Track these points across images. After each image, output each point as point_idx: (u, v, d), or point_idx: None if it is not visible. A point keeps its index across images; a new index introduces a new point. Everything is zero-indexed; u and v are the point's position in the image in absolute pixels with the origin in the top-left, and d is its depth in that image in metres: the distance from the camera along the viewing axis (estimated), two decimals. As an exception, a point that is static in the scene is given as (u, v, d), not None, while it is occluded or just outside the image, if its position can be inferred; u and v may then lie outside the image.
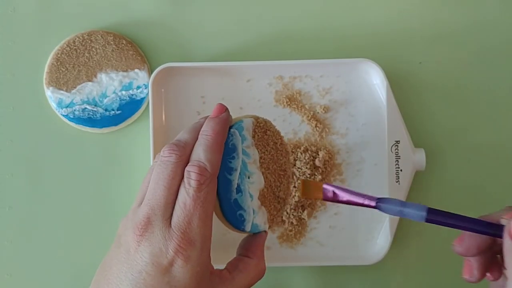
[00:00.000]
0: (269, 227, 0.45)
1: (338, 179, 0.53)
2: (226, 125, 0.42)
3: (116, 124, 0.53)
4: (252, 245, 0.44)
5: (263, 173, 0.44)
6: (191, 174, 0.39)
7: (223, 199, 0.42)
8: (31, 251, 0.53)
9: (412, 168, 0.51)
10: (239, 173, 0.43)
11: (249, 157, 0.43)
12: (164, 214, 0.39)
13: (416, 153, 0.51)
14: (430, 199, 0.53)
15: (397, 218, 0.51)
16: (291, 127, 0.53)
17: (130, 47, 0.53)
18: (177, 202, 0.39)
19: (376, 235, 0.53)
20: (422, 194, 0.54)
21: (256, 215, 0.43)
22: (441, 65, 0.54)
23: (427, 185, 0.54)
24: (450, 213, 0.39)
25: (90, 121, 0.53)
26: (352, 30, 0.54)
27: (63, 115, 0.53)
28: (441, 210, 0.39)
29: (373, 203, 0.41)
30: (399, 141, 0.51)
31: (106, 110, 0.53)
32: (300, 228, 0.53)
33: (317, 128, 0.53)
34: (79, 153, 0.54)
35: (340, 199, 0.42)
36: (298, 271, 0.54)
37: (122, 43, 0.53)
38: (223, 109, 0.43)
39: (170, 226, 0.38)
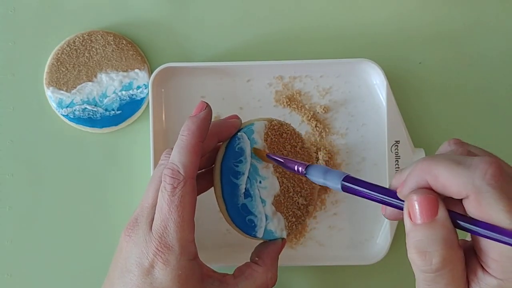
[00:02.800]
0: (288, 234, 0.44)
1: (338, 179, 0.53)
2: (204, 124, 0.41)
3: (116, 124, 0.53)
4: (264, 252, 0.44)
5: (278, 178, 0.43)
6: (166, 178, 0.39)
7: (229, 203, 0.42)
8: (31, 251, 0.53)
9: (412, 168, 0.51)
10: (248, 178, 0.42)
11: (260, 161, 0.43)
12: (149, 216, 0.40)
13: (416, 153, 0.51)
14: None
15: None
16: (291, 127, 0.53)
17: (130, 47, 0.53)
18: (157, 205, 0.39)
19: (376, 235, 0.53)
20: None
21: (270, 221, 0.43)
22: (441, 65, 0.54)
23: (427, 185, 0.54)
24: (367, 183, 0.35)
25: (90, 121, 0.53)
26: (352, 30, 0.54)
27: (63, 115, 0.53)
28: (359, 180, 0.35)
29: (303, 170, 0.39)
30: (399, 141, 0.51)
31: (106, 110, 0.53)
32: (300, 228, 0.53)
33: (317, 128, 0.53)
34: (79, 153, 0.54)
35: (277, 161, 0.42)
36: (298, 271, 0.54)
37: (122, 43, 0.53)
38: (203, 107, 0.41)
39: (151, 230, 0.39)
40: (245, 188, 0.42)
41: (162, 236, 0.38)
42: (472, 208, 0.30)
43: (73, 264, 0.53)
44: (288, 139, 0.45)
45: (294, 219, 0.44)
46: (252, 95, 0.53)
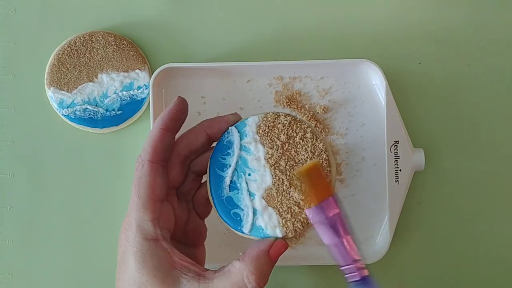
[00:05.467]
0: (286, 235, 0.41)
1: (337, 179, 0.53)
2: (168, 114, 0.43)
3: (117, 124, 0.53)
4: (248, 248, 0.41)
5: (271, 170, 0.42)
6: None
7: (215, 196, 0.42)
8: (32, 251, 0.53)
9: (411, 168, 0.51)
10: (236, 170, 0.42)
11: (249, 153, 0.42)
12: None
13: (415, 153, 0.51)
14: (429, 199, 0.54)
15: (396, 217, 0.51)
16: (291, 127, 0.53)
17: (130, 47, 0.53)
18: None
19: (376, 235, 0.53)
20: (420, 194, 0.54)
21: (258, 216, 0.41)
22: (440, 66, 0.54)
23: (426, 185, 0.54)
24: None
25: (91, 121, 0.53)
26: (352, 31, 0.54)
27: (64, 115, 0.53)
28: None
29: (357, 277, 0.39)
30: (398, 141, 0.51)
31: (107, 110, 0.53)
32: (303, 228, 0.53)
33: (317, 128, 0.53)
34: (80, 153, 0.54)
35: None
36: (298, 271, 0.54)
37: (123, 44, 0.53)
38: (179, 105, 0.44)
39: None
40: (231, 181, 0.42)
41: (127, 215, 0.41)
42: None
43: (74, 264, 0.53)
44: (283, 130, 0.42)
45: (289, 216, 0.41)
46: (252, 96, 0.53)
